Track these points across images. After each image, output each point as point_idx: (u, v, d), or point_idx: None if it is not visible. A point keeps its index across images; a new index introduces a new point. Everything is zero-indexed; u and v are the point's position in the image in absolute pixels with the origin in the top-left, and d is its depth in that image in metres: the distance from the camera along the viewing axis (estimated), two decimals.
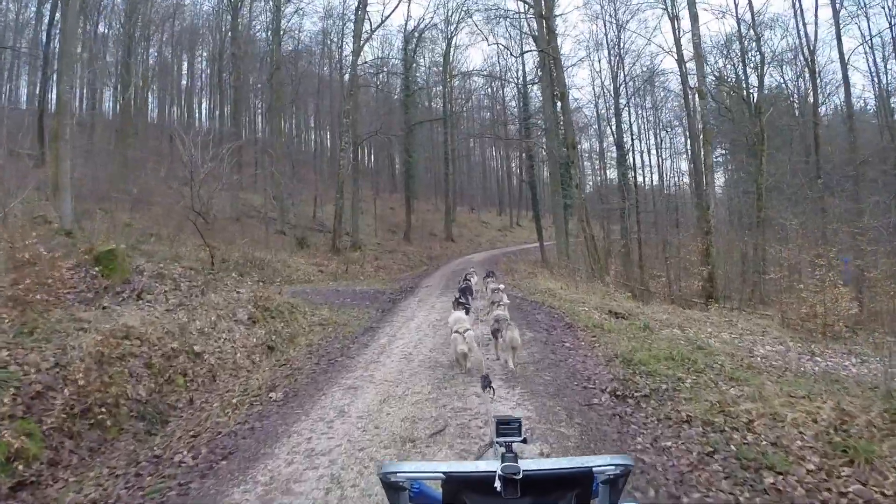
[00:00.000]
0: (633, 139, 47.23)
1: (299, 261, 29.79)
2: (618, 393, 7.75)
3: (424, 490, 1.75)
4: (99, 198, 28.84)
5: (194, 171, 21.34)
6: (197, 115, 59.19)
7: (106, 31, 46.95)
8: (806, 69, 33.91)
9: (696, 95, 26.76)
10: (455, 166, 55.52)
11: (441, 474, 1.54)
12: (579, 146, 39.74)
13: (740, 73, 36.12)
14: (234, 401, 8.74)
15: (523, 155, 46.63)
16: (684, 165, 52.52)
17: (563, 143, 29.44)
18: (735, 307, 20.71)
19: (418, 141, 49.49)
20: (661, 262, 31.26)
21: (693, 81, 28.43)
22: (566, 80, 27.92)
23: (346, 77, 38.41)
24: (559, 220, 30.89)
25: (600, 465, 1.56)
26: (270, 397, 8.62)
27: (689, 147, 41.52)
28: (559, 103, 29.10)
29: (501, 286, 15.65)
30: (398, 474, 1.56)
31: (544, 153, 40.67)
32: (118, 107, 47.37)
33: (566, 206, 32.58)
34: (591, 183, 51.29)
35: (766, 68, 34.30)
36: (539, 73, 33.09)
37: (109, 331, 10.08)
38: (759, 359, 10.69)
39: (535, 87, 38.82)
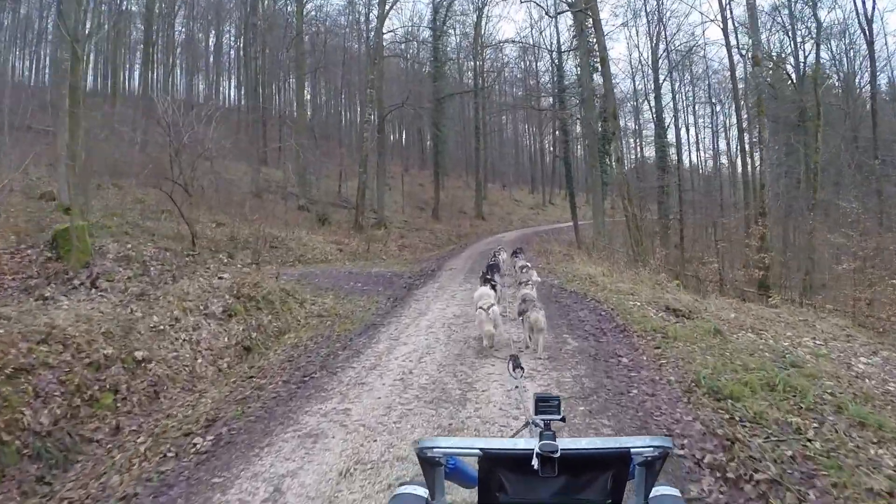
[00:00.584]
0: (673, 114, 43.41)
1: (317, 239, 27.29)
2: (724, 470, 4.73)
3: (460, 466, 1.67)
4: (117, 173, 27.52)
5: (174, 138, 18.13)
6: (224, 90, 57.30)
7: (131, 6, 44.89)
8: (862, 40, 30.48)
9: (752, 63, 23.46)
10: (486, 141, 52.34)
11: (478, 450, 1.47)
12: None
13: (786, 45, 32.64)
14: (143, 448, 5.93)
15: (557, 130, 43.37)
16: (723, 144, 48.83)
17: (600, 116, 26.48)
18: (792, 299, 17.68)
19: (448, 115, 46.42)
20: (706, 246, 28.12)
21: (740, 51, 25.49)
22: (606, 45, 24.48)
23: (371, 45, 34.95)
24: (597, 199, 27.89)
25: (638, 447, 1.47)
26: (194, 445, 5.78)
27: (735, 121, 38.22)
28: (598, 71, 26.16)
29: (529, 264, 14.67)
30: (434, 449, 1.50)
31: (580, 127, 37.80)
32: (142, 83, 45.39)
33: (603, 184, 29.79)
34: (627, 162, 47.73)
35: (821, 36, 30.85)
36: (575, 40, 29.88)
37: (21, 332, 7.48)
38: (867, 382, 7.71)
39: (570, 57, 35.79)
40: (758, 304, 16.42)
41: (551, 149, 62.89)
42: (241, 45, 45.96)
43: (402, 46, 43.61)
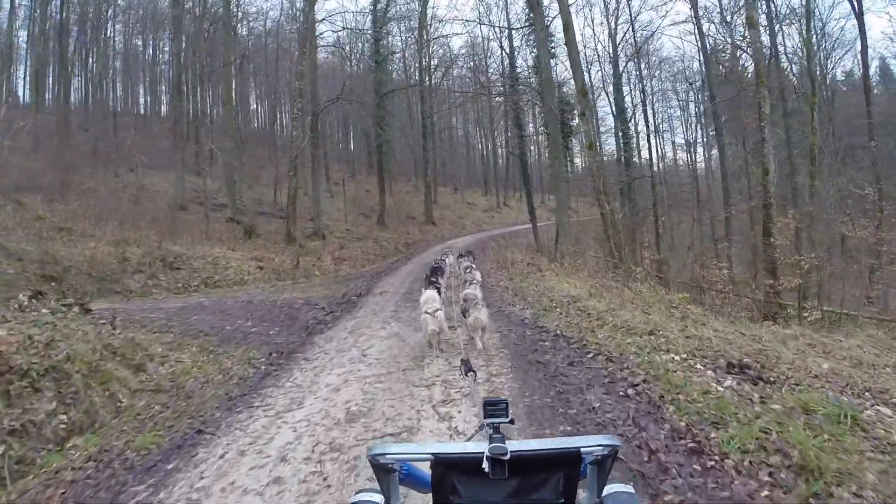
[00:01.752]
0: (642, 102, 38.61)
1: (234, 256, 22.00)
2: None
3: (413, 471, 1.60)
4: (25, 189, 24.26)
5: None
6: (148, 96, 51.63)
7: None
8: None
9: (746, 24, 18.66)
10: (435, 142, 47.13)
11: (430, 455, 1.42)
12: (570, 122, 31.37)
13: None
14: None
15: (511, 125, 38.16)
16: (679, 139, 44.48)
17: (560, 104, 21.56)
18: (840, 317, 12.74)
19: (393, 114, 41.20)
20: (688, 247, 23.18)
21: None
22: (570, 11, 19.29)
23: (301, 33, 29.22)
24: (560, 195, 22.64)
25: (588, 446, 1.43)
26: None
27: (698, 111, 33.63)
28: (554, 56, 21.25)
29: (474, 265, 13.05)
30: (387, 456, 1.45)
31: (536, 119, 32.87)
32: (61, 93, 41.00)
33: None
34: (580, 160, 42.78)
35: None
36: (530, 14, 24.67)
37: None
38: None
39: (524, 45, 30.70)
40: (805, 326, 11.48)
41: (504, 147, 58.01)
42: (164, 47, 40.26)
43: (340, 34, 38.05)
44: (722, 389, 5.66)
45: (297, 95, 27.07)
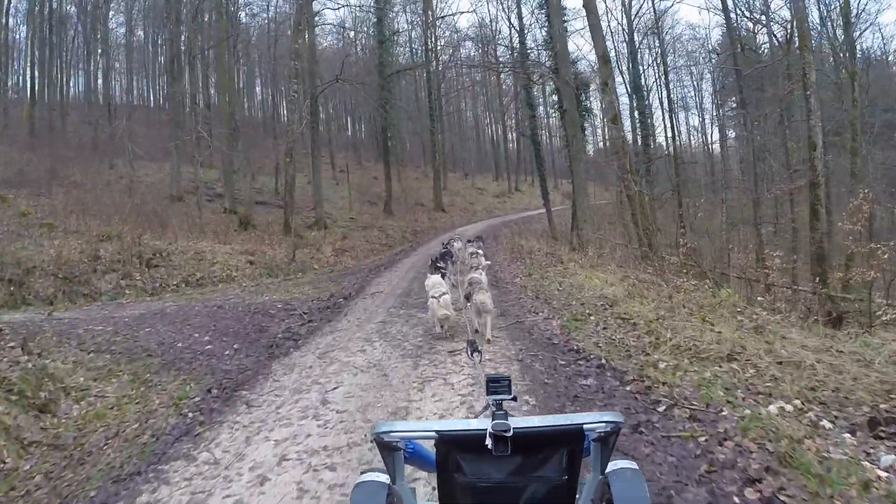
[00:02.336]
0: (658, 81, 35.88)
1: (223, 250, 19.77)
2: None
3: (419, 450, 1.61)
4: (13, 184, 23.45)
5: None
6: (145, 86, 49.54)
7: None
8: None
9: None
10: (443, 125, 44.46)
11: (434, 433, 1.40)
12: (584, 101, 28.71)
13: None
14: None
15: (521, 104, 35.53)
16: (695, 120, 41.77)
17: (570, 80, 19.07)
18: None
19: (400, 99, 38.66)
20: (715, 233, 20.62)
21: None
22: None
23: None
24: (579, 177, 20.12)
25: (591, 423, 1.40)
26: None
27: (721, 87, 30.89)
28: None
29: (481, 251, 11.75)
30: (391, 434, 1.43)
31: (548, 100, 30.30)
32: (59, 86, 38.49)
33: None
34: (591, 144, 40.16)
35: None
36: None
37: None
38: None
39: (534, 22, 28.20)
40: (881, 329, 9.00)
41: (514, 131, 55.32)
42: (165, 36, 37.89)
43: (342, 15, 35.55)
44: (885, 476, 3.26)
45: (293, 76, 24.67)
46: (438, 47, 40.11)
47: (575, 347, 6.54)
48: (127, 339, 8.74)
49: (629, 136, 34.62)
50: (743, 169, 30.27)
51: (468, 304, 7.95)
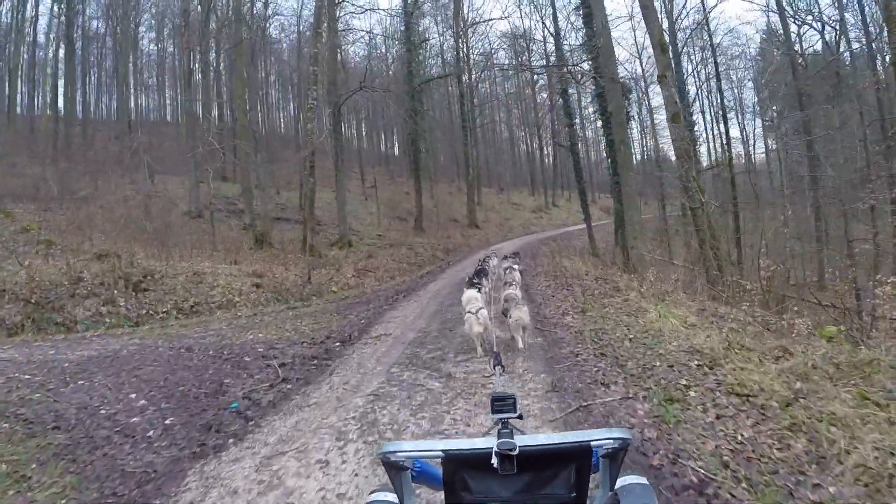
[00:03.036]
0: (699, 91, 32.74)
1: (228, 271, 17.25)
2: None
3: (426, 469, 1.54)
4: (23, 197, 22.32)
5: None
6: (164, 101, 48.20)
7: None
8: None
9: None
10: (477, 137, 41.69)
11: (440, 452, 1.37)
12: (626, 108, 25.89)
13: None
14: None
15: (559, 114, 32.78)
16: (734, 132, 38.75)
17: (616, 76, 16.35)
18: None
19: (432, 113, 36.26)
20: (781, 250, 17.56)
21: None
22: None
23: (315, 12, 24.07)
24: (629, 187, 17.07)
25: (598, 439, 1.36)
26: None
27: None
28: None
29: (517, 266, 11.49)
30: (398, 454, 1.40)
31: (583, 111, 27.50)
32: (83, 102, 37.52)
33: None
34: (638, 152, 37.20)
35: None
36: None
37: None
38: None
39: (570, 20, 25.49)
40: None
41: (550, 145, 52.40)
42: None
43: (367, 22, 33.30)
44: None
45: (311, 82, 22.25)
46: (471, 57, 37.54)
47: (690, 472, 3.62)
48: (48, 396, 6.35)
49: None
50: (792, 180, 27.43)
51: (507, 321, 7.73)
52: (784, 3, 25.80)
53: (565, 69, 21.92)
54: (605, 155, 57.90)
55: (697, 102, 33.78)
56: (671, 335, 6.83)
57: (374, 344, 8.13)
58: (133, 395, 6.43)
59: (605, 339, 7.16)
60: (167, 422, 5.57)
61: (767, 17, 28.68)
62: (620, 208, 23.59)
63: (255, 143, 26.88)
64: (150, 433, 5.29)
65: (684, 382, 5.20)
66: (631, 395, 5.02)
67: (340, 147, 25.29)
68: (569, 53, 26.24)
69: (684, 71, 31.57)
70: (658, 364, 5.80)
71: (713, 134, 35.58)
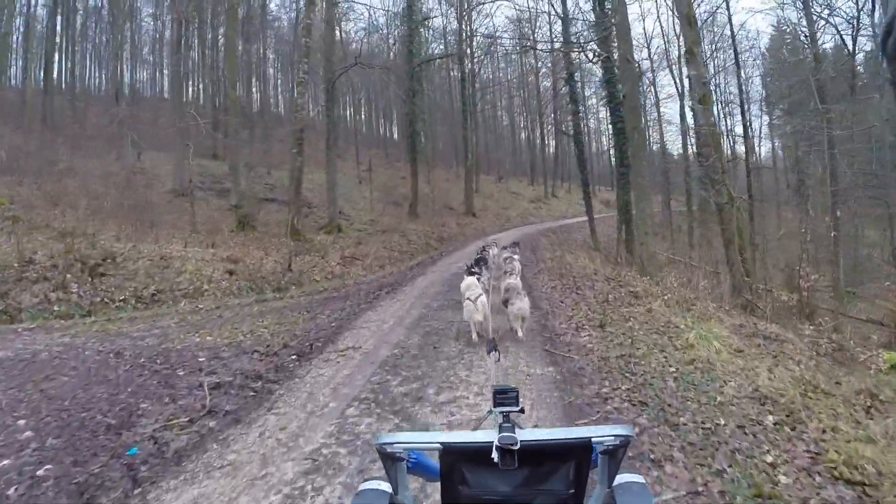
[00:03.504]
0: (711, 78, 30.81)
1: (202, 254, 15.68)
2: None
3: (422, 460, 1.47)
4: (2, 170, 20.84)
5: None
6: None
7: None
8: None
9: None
10: (477, 122, 39.87)
11: (438, 445, 1.32)
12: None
13: None
14: None
15: (563, 101, 31.04)
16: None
17: (632, 57, 14.74)
18: None
19: (432, 91, 34.44)
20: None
21: None
22: None
23: None
24: (641, 179, 15.34)
25: (599, 436, 1.30)
26: None
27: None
28: None
29: (517, 256, 11.09)
30: (395, 445, 1.32)
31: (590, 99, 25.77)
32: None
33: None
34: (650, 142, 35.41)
35: None
36: None
37: None
38: None
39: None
40: None
41: (551, 136, 50.70)
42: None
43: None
44: None
45: (303, 54, 20.44)
46: (474, 40, 35.61)
47: None
48: None
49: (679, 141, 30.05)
50: (798, 179, 25.91)
51: (507, 310, 7.57)
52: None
53: (575, 50, 19.98)
54: (606, 146, 56.13)
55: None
56: (724, 370, 5.15)
57: (336, 362, 6.38)
58: (22, 422, 4.85)
59: (640, 373, 5.41)
60: (40, 472, 3.94)
61: (782, 9, 26.73)
62: (628, 200, 21.97)
63: (247, 120, 25.12)
64: (11, 490, 3.67)
65: (769, 459, 3.51)
66: (701, 489, 3.27)
67: (333, 125, 23.48)
68: (577, 36, 24.51)
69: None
70: (722, 422, 4.08)
71: (723, 129, 33.81)
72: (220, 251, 16.30)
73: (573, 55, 23.31)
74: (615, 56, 17.94)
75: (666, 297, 8.78)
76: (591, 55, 19.81)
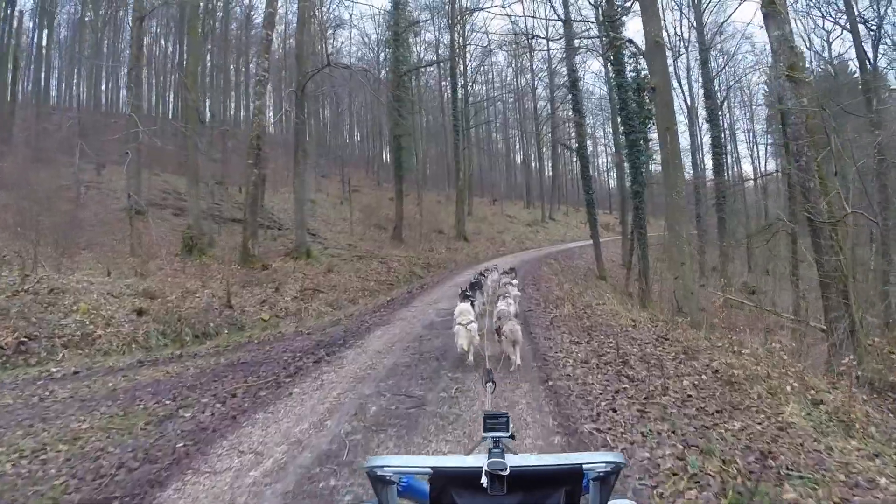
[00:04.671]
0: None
1: (116, 285, 11.81)
2: None
3: (413, 484, 1.37)
4: None
5: None
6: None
7: None
8: None
9: None
10: (469, 139, 36.07)
11: (429, 469, 1.23)
12: (646, 105, 20.53)
13: None
14: None
15: (556, 121, 27.54)
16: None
17: (661, 38, 11.31)
18: None
19: (421, 110, 30.80)
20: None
21: None
22: None
23: None
24: (675, 195, 11.41)
25: (590, 463, 1.21)
26: None
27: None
28: None
29: (515, 282, 10.18)
30: (385, 468, 1.24)
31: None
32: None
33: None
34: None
35: None
36: None
37: None
38: None
39: None
40: None
41: (550, 150, 46.94)
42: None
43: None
44: None
45: (263, 49, 16.75)
46: (467, 50, 32.02)
47: None
48: None
49: (689, 161, 26.50)
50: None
51: (498, 339, 6.86)
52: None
53: (584, 38, 16.25)
54: (605, 167, 52.50)
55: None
56: None
57: None
58: None
59: None
60: None
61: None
62: (642, 221, 18.24)
63: (209, 128, 21.37)
64: None
65: None
66: None
67: (303, 135, 19.61)
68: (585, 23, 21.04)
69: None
70: None
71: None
72: (140, 282, 12.44)
73: (577, 58, 19.69)
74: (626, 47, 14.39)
75: (775, 382, 4.93)
76: (603, 47, 16.03)
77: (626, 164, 21.22)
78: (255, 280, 14.66)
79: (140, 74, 24.62)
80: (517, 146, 55.11)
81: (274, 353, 7.44)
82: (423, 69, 32.38)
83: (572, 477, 1.18)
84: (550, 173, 50.64)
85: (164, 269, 14.54)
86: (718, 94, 26.69)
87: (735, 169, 34.71)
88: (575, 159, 44.21)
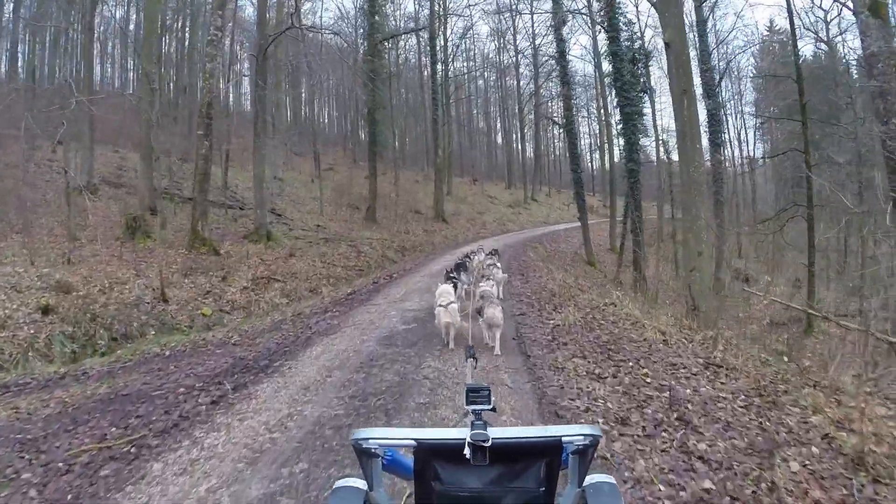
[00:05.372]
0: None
1: (26, 276, 9.57)
2: None
3: (397, 458, 1.38)
4: None
5: None
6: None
7: None
8: None
9: None
10: (449, 115, 33.86)
11: (412, 441, 1.23)
12: (640, 76, 18.53)
13: None
14: None
15: (555, 83, 25.56)
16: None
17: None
18: None
19: (399, 89, 28.65)
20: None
21: None
22: None
23: None
24: (693, 171, 9.46)
25: (569, 435, 1.23)
26: None
27: None
28: None
29: (499, 264, 10.57)
30: (370, 440, 1.24)
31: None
32: None
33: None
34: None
35: None
36: None
37: None
38: None
39: None
40: None
41: (531, 129, 44.87)
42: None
43: None
44: None
45: (215, 6, 14.47)
46: (448, 19, 29.85)
47: None
48: None
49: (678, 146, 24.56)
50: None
51: (480, 319, 6.71)
52: None
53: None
54: (588, 149, 50.48)
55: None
56: None
57: None
58: None
59: None
60: None
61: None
62: (638, 204, 16.39)
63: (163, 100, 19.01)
64: None
65: None
66: None
67: (263, 108, 17.35)
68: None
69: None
70: None
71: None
72: (58, 272, 10.27)
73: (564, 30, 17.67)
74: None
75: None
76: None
77: (617, 141, 19.31)
78: (202, 267, 12.57)
79: (92, 41, 22.10)
80: (498, 126, 52.96)
81: (173, 378, 5.33)
82: (401, 39, 30.08)
83: (552, 449, 1.18)
84: (533, 153, 48.56)
85: (99, 256, 12.40)
86: (717, 70, 24.80)
87: (730, 150, 33.04)
88: (559, 139, 42.25)
